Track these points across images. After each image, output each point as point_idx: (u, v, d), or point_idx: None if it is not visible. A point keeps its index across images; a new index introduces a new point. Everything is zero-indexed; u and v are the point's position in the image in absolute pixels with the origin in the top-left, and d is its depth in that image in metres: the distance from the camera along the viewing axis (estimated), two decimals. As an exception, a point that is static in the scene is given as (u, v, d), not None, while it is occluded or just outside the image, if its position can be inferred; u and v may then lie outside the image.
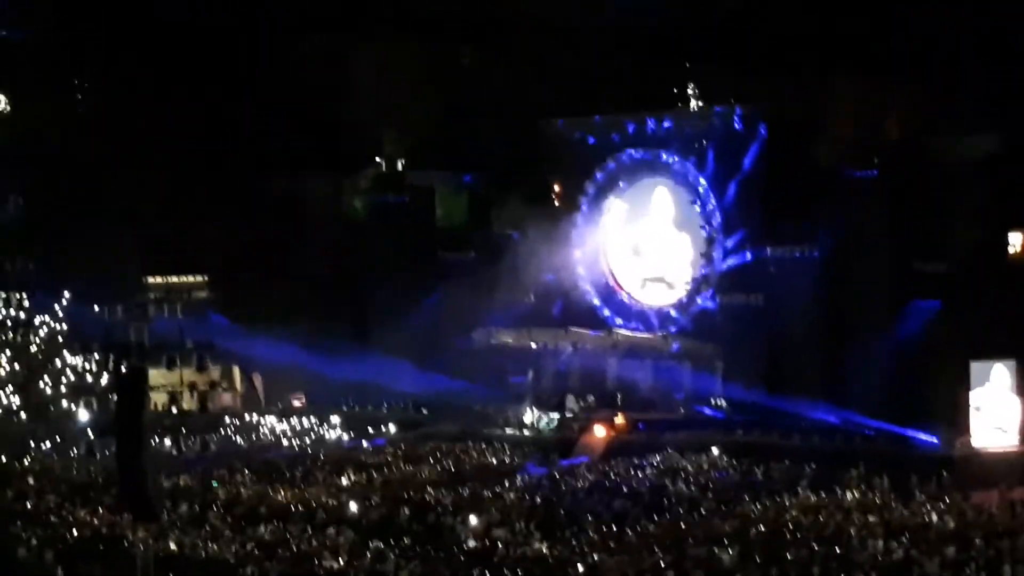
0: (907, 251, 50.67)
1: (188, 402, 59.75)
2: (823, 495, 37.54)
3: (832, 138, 54.56)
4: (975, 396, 44.79)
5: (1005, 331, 45.15)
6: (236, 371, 61.76)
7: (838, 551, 29.38)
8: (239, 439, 53.63)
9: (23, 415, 55.19)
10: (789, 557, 28.83)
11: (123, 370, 26.67)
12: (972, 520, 33.14)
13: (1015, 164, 48.92)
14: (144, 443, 25.51)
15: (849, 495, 37.39)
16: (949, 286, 49.39)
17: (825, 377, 50.38)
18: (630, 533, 33.01)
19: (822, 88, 52.81)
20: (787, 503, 36.64)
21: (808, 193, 52.55)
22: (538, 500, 37.61)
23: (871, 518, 33.35)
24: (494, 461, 47.21)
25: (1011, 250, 50.38)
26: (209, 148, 61.52)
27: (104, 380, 57.06)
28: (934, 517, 33.37)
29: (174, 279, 65.27)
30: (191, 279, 65.60)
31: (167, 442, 50.56)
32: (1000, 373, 44.80)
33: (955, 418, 45.19)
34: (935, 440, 45.11)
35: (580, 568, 28.73)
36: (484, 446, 50.35)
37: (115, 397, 27.69)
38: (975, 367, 44.96)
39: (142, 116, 60.13)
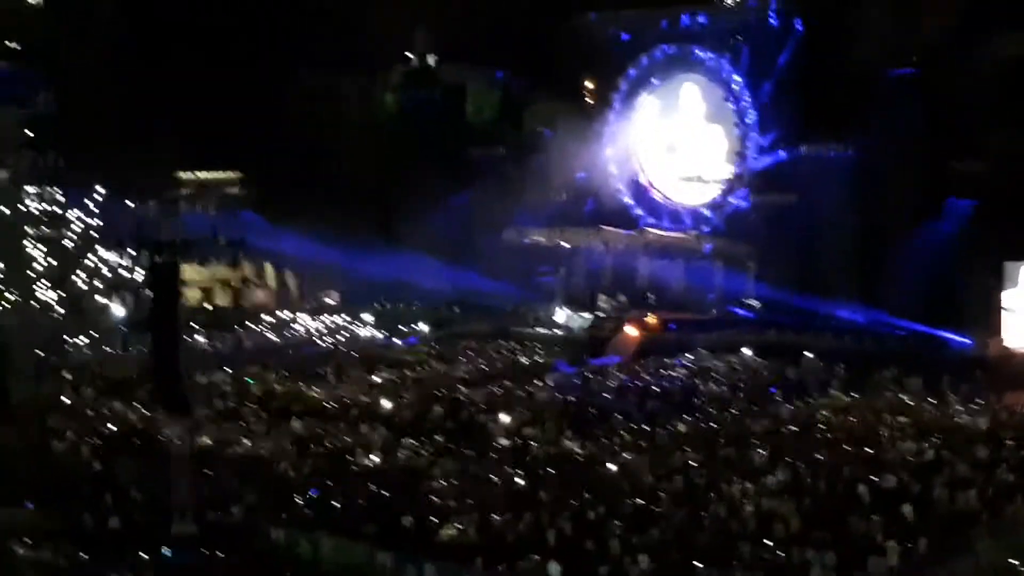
0: (944, 150, 50.05)
1: (221, 298, 60.03)
2: (855, 396, 37.53)
3: (870, 35, 53.71)
4: (1008, 296, 44.58)
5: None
6: (269, 268, 61.99)
7: (869, 451, 29.40)
8: (272, 336, 53.92)
9: (58, 310, 55.53)
10: (820, 457, 28.87)
11: (156, 266, 26.63)
12: (1004, 421, 33.10)
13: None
14: (178, 338, 25.69)
15: (881, 396, 37.36)
16: (985, 185, 48.88)
17: (858, 278, 50.18)
18: (661, 433, 33.13)
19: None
20: (818, 403, 36.68)
21: (844, 91, 51.88)
22: (569, 399, 37.75)
23: (902, 419, 33.34)
24: (525, 360, 47.35)
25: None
26: (241, 43, 61.08)
27: (138, 275, 57.29)
28: (966, 418, 33.33)
29: (206, 175, 65.35)
30: (223, 175, 65.67)
31: (200, 338, 50.85)
32: (1034, 274, 44.58)
33: (988, 319, 45.03)
34: (968, 341, 44.97)
35: (611, 467, 28.87)
36: (515, 345, 50.53)
37: (149, 292, 27.80)
38: (1009, 267, 44.72)
39: (175, 10, 59.72)
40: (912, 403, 36.00)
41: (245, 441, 32.08)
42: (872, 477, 26.58)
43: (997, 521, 23.94)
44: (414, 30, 67.53)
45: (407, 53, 68.60)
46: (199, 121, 59.79)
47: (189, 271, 54.27)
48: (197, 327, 51.90)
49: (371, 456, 30.10)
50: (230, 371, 42.66)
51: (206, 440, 31.35)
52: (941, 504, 25.16)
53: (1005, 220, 45.57)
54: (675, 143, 60.62)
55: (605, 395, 38.83)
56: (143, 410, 34.93)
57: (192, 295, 56.99)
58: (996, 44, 50.13)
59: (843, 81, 52.15)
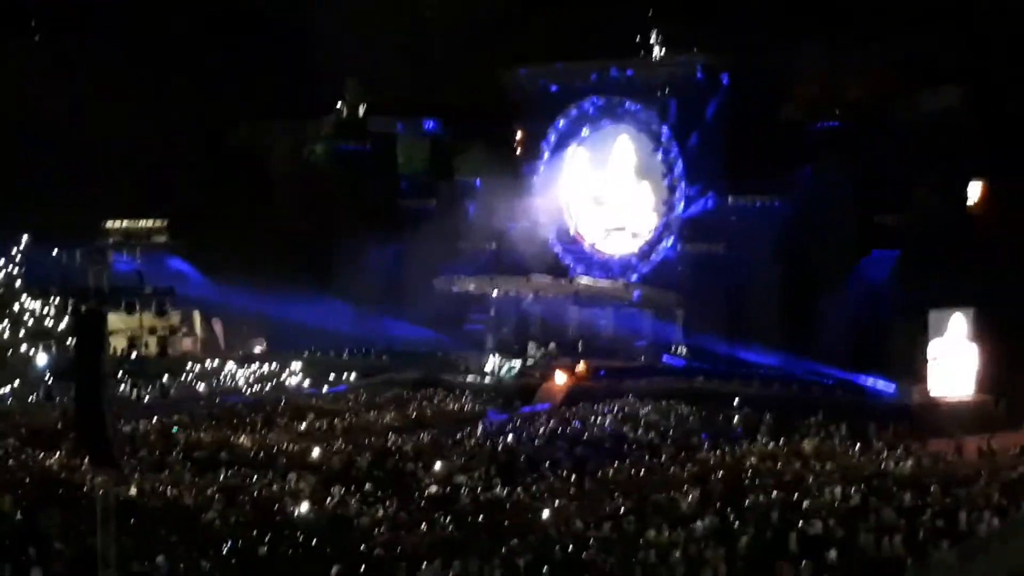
0: (868, 202, 50.80)
1: (148, 347, 59.39)
2: (782, 442, 37.76)
3: (795, 89, 54.52)
4: (933, 345, 45.17)
5: (963, 281, 45.39)
6: (196, 316, 61.47)
7: (796, 497, 29.55)
8: (199, 385, 53.39)
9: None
10: (748, 503, 28.97)
11: (81, 313, 26.36)
12: (928, 467, 33.43)
13: (974, 116, 49.12)
14: (104, 387, 25.33)
15: (807, 442, 37.59)
16: (909, 236, 49.66)
17: (785, 326, 50.60)
18: (590, 479, 33.12)
19: (785, 39, 52.69)
20: (746, 450, 36.84)
21: (771, 144, 52.63)
22: (499, 446, 37.67)
23: (828, 465, 33.56)
24: (455, 408, 47.25)
25: (970, 201, 50.62)
26: (170, 93, 60.93)
27: (63, 324, 56.59)
28: (891, 464, 33.62)
29: (133, 223, 64.85)
30: (150, 223, 65.19)
31: (126, 387, 50.23)
32: (958, 322, 45.23)
33: (913, 367, 45.59)
34: (893, 389, 45.49)
35: (541, 514, 28.80)
36: (445, 393, 50.42)
37: (74, 341, 27.44)
38: (933, 316, 45.34)
39: (101, 59, 59.43)
40: (838, 449, 36.28)
41: (171, 490, 31.68)
42: (799, 523, 26.71)
43: (922, 567, 24.11)
44: (344, 80, 67.67)
45: (337, 103, 68.71)
46: (127, 169, 59.53)
47: (115, 319, 53.70)
48: (123, 375, 51.28)
49: (300, 505, 29.81)
50: (156, 420, 42.14)
51: (132, 490, 30.90)
52: (867, 550, 25.30)
53: (929, 270, 46.31)
54: (604, 193, 61.04)
55: (535, 442, 38.80)
56: (67, 460, 34.40)
57: (118, 343, 56.35)
58: (919, 99, 51.11)
59: (770, 134, 52.90)
